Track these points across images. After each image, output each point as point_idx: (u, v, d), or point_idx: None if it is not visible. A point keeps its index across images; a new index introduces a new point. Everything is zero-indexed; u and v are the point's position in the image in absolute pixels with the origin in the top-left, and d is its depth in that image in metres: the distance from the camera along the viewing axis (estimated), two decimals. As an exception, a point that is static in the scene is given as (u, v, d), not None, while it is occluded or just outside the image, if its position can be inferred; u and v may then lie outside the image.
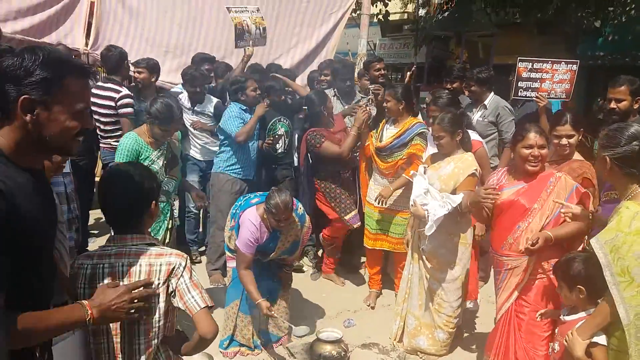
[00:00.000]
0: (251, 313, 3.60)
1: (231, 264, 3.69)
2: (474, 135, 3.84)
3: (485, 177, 3.52)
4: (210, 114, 4.98)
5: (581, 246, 2.79)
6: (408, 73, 5.74)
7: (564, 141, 3.13)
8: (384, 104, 4.22)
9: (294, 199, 3.46)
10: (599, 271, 2.13)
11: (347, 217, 4.43)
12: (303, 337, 3.72)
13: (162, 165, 3.59)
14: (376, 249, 4.38)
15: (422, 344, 3.66)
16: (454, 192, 3.36)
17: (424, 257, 3.59)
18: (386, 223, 4.25)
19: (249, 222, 3.35)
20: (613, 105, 3.64)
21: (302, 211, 3.64)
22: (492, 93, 4.84)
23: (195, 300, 1.76)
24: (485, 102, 4.79)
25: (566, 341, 2.22)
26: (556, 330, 2.51)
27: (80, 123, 1.47)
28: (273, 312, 3.37)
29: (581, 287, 2.30)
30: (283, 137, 4.79)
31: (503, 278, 2.98)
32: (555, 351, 2.43)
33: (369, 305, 4.45)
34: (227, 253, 3.73)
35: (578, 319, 2.33)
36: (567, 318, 2.40)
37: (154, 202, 1.87)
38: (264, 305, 3.30)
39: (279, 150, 4.79)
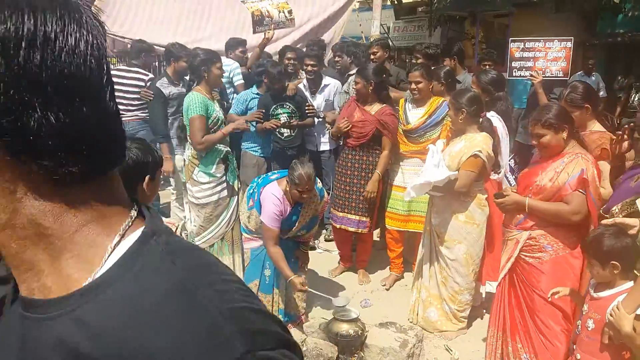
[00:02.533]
0: (271, 292, 3.66)
1: (248, 244, 3.74)
2: (494, 121, 3.74)
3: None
4: None
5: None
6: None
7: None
8: (416, 85, 4.08)
9: None
10: (632, 243, 2.14)
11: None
12: (322, 316, 3.77)
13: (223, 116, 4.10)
14: (408, 230, 4.36)
15: (432, 315, 3.73)
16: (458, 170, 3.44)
17: (434, 230, 3.67)
18: (416, 203, 4.19)
19: (273, 196, 3.39)
20: None
21: (320, 185, 3.72)
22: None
23: None
24: None
25: (611, 315, 2.14)
26: (585, 308, 2.41)
27: None
28: (307, 287, 3.43)
29: (615, 262, 2.24)
30: (287, 121, 4.84)
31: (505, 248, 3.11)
32: (590, 329, 2.33)
33: (383, 286, 4.47)
34: (245, 234, 3.78)
35: (614, 294, 2.25)
36: (602, 294, 2.32)
37: (148, 177, 1.91)
38: (297, 282, 3.35)
39: (285, 135, 4.88)
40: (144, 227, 0.64)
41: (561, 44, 4.61)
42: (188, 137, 3.88)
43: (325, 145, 5.28)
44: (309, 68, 5.06)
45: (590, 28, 10.18)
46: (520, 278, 2.99)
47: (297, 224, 3.57)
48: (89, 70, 0.57)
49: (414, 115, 4.19)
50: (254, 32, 5.59)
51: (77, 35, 0.56)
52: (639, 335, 2.04)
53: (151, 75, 5.37)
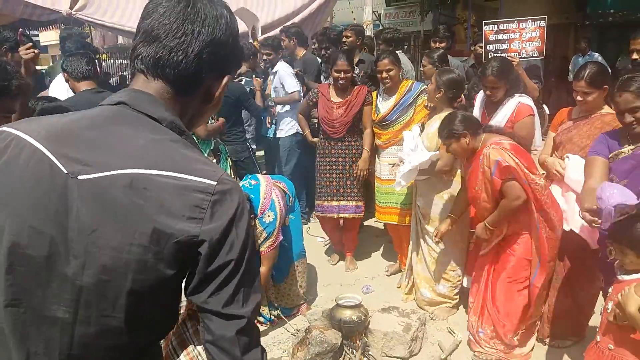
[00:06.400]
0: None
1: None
2: (527, 101, 3.62)
3: (528, 147, 3.44)
4: None
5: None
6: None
7: (580, 97, 3.02)
8: (387, 73, 4.02)
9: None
10: None
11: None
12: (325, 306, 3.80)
13: None
14: (389, 222, 4.31)
15: (426, 295, 3.82)
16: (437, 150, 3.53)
17: (420, 213, 3.75)
18: (392, 195, 4.17)
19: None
20: (635, 56, 3.65)
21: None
22: (400, 52, 5.27)
23: None
24: None
25: (621, 295, 2.08)
26: (610, 290, 2.35)
27: None
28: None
29: None
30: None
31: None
32: (609, 310, 2.26)
33: (386, 272, 4.50)
34: None
35: (637, 278, 2.19)
36: (627, 277, 2.25)
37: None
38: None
39: None
40: None
41: (535, 23, 4.55)
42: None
43: (282, 132, 5.34)
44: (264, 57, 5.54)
45: (581, 8, 10.18)
46: (502, 246, 3.17)
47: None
48: None
49: (385, 106, 4.13)
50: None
51: None
52: None
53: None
